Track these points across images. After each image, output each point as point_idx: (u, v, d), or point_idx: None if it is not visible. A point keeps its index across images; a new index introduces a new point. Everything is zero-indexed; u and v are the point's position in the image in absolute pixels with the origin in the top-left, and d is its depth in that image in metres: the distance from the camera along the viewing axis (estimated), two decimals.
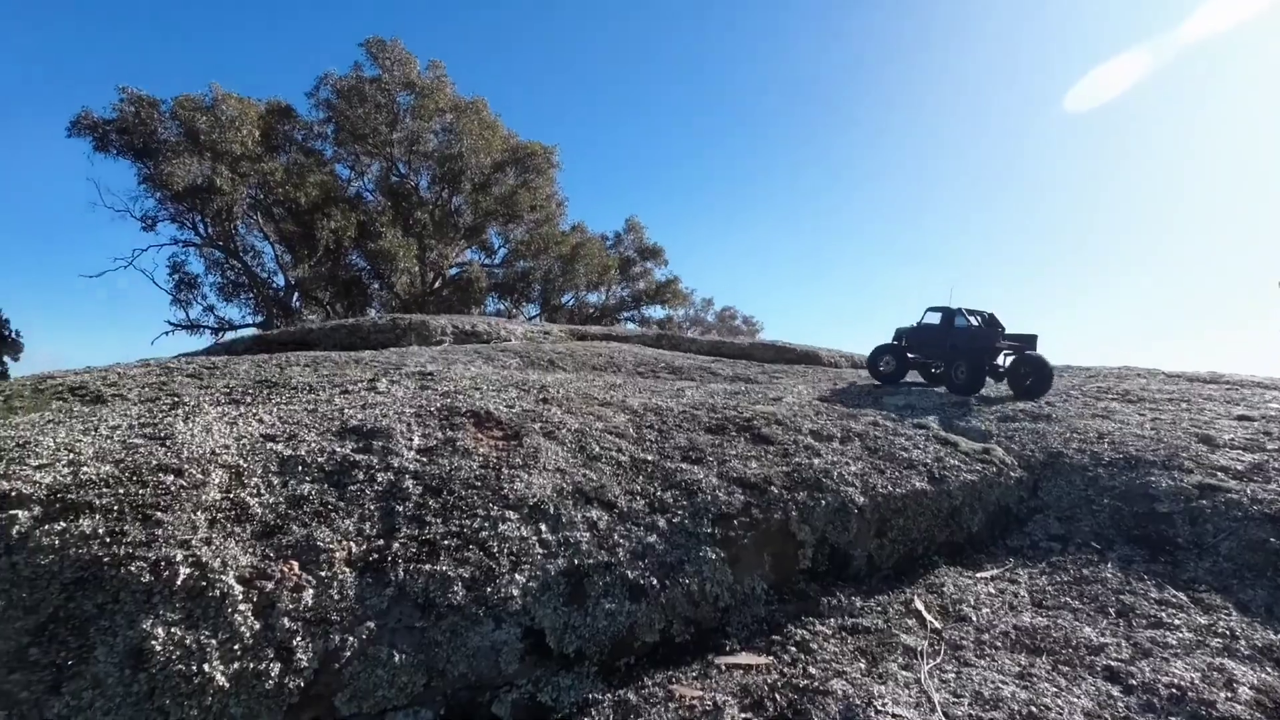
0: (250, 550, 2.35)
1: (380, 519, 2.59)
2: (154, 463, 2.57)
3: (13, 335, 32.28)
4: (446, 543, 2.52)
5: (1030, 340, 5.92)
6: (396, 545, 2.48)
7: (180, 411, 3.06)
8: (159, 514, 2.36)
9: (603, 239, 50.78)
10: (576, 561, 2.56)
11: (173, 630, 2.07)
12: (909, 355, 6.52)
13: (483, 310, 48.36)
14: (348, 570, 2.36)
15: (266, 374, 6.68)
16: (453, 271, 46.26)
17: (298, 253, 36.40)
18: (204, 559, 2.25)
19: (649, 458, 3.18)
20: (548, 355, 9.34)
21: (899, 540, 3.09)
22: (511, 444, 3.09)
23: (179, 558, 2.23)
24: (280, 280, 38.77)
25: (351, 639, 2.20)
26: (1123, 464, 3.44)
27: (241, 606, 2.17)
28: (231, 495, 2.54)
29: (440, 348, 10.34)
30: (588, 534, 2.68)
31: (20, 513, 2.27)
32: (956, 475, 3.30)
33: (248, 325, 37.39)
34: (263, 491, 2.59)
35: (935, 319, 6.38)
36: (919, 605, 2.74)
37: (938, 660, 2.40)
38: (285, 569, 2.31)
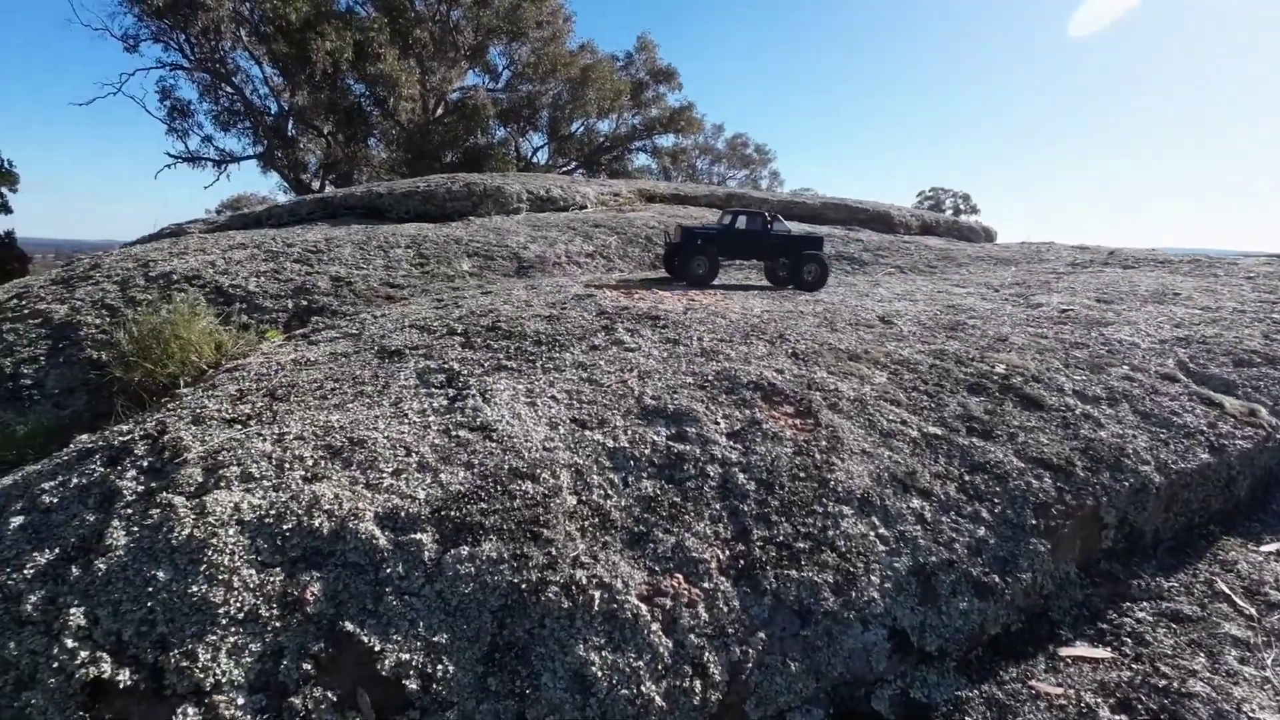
0: (633, 563, 2.43)
1: (729, 519, 2.64)
2: (505, 467, 2.58)
3: (6, 166, 30.89)
4: (800, 545, 2.60)
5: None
6: (757, 550, 2.56)
7: (473, 388, 3.00)
8: (544, 531, 2.40)
9: (613, 59, 47.35)
10: (921, 559, 2.66)
11: (604, 654, 2.20)
12: (719, 257, 6.72)
13: (490, 138, 46.06)
14: (725, 580, 2.46)
15: (409, 279, 6.48)
16: (454, 96, 43.69)
17: (294, 78, 34.03)
18: (605, 579, 2.33)
19: (936, 430, 3.19)
20: (643, 232, 9.04)
21: (1180, 512, 3.20)
22: (808, 423, 3.08)
23: (583, 579, 2.31)
24: (275, 107, 36.60)
25: (750, 650, 2.34)
26: None
27: (654, 626, 2.28)
28: (585, 500, 2.58)
29: (519, 218, 9.98)
30: (919, 528, 2.75)
31: (421, 536, 2.31)
32: (1232, 442, 3.34)
33: (249, 156, 36.03)
34: (610, 494, 2.62)
35: (744, 222, 6.81)
36: (1224, 587, 2.90)
37: (1274, 654, 2.58)
38: (674, 584, 2.41)
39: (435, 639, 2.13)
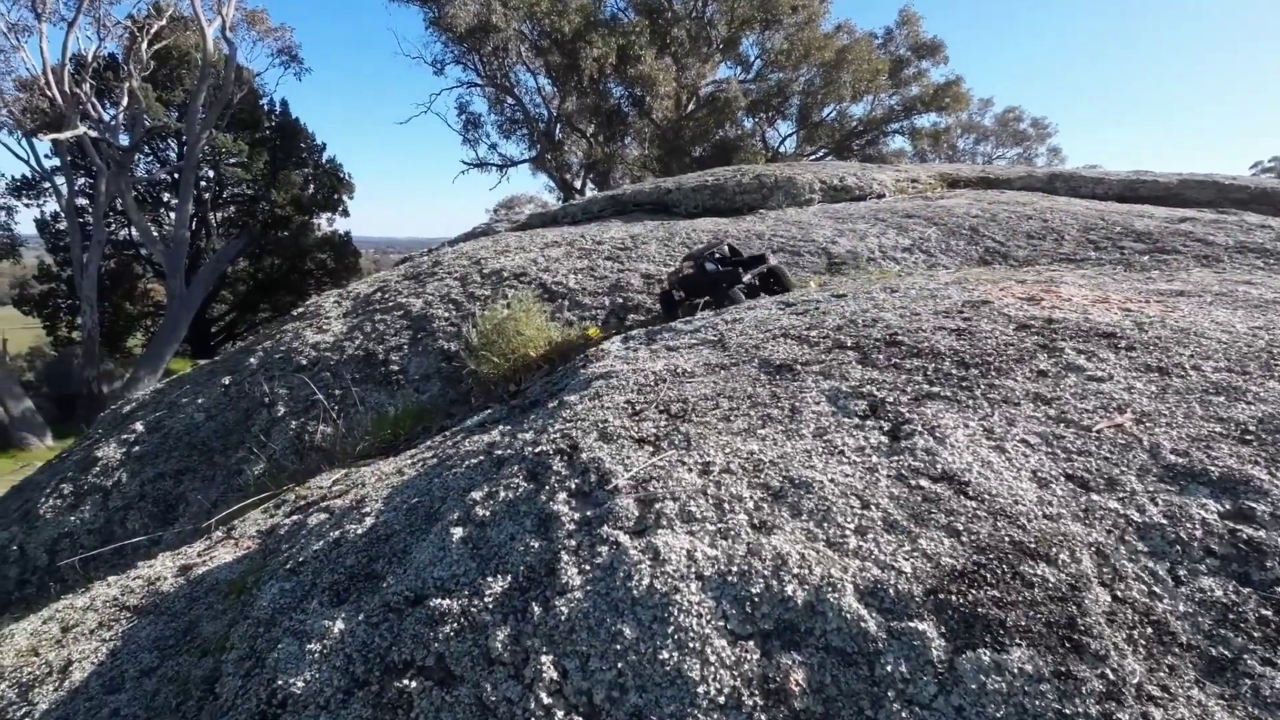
0: (1226, 708, 1.68)
1: None
2: (1005, 539, 1.97)
3: (347, 177, 37.54)
4: None
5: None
6: None
7: (914, 423, 2.44)
8: (1086, 640, 1.76)
9: (870, 38, 44.54)
10: None
11: None
12: (676, 299, 6.07)
13: (739, 130, 45.83)
14: None
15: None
16: (705, 91, 44.18)
17: (564, 85, 36.89)
18: None
19: None
20: (965, 222, 7.89)
21: None
22: None
23: None
24: (545, 113, 39.97)
25: None
26: None
27: None
28: (1123, 597, 1.88)
29: (814, 209, 9.34)
30: None
31: (922, 626, 1.80)
32: None
33: (524, 160, 39.63)
34: (1158, 591, 1.90)
35: (692, 268, 5.96)
36: None
37: None
38: None
39: None
